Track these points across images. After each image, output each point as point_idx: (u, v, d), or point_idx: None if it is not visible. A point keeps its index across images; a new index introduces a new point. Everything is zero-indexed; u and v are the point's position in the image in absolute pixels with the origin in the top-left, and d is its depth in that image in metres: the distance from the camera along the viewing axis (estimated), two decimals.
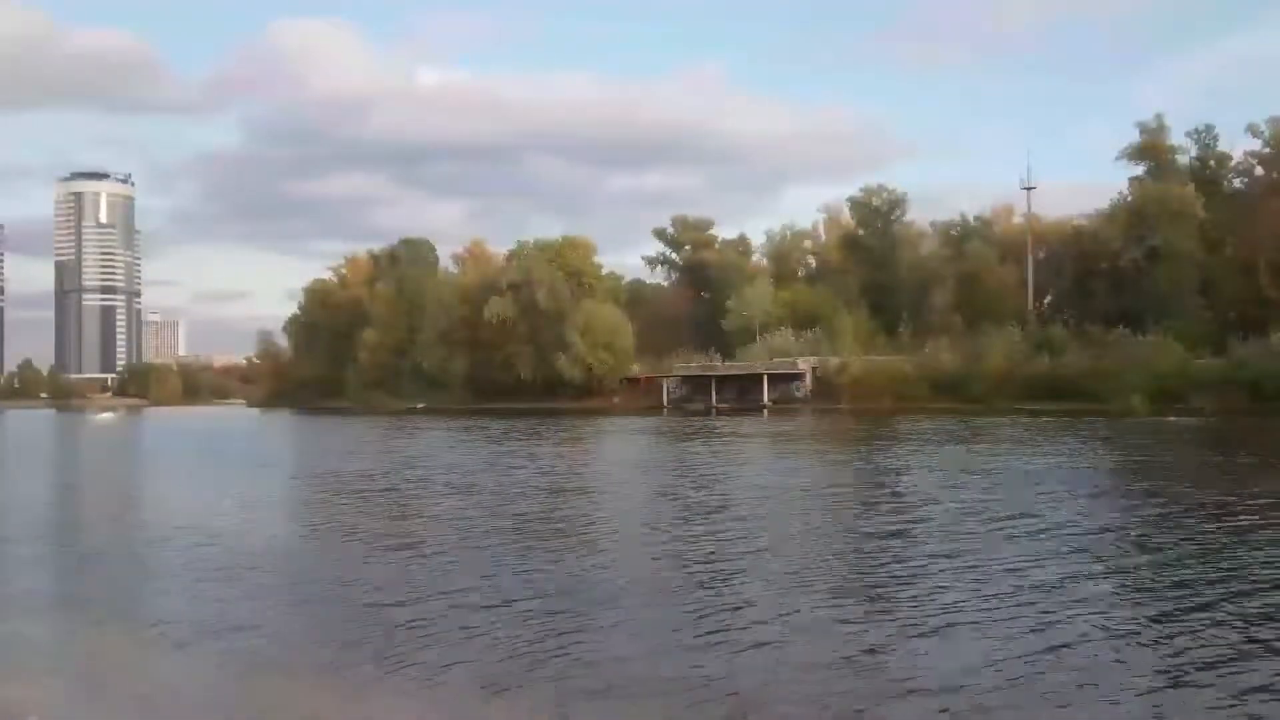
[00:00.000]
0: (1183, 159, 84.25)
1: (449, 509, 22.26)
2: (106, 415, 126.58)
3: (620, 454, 41.09)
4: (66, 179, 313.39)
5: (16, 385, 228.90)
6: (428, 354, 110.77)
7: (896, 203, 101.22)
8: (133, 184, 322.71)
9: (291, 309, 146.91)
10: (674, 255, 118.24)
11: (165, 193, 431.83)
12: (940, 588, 12.96)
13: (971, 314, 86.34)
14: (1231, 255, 77.87)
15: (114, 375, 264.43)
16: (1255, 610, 11.48)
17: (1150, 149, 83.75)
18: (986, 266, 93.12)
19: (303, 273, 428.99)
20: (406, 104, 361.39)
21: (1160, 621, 11.05)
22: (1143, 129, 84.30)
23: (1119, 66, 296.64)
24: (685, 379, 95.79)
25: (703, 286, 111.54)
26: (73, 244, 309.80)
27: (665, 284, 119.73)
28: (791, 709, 8.61)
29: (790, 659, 9.92)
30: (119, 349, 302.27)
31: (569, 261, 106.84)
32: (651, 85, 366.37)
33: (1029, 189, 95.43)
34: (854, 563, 15.11)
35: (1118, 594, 12.59)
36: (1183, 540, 16.28)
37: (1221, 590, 12.56)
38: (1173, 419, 53.01)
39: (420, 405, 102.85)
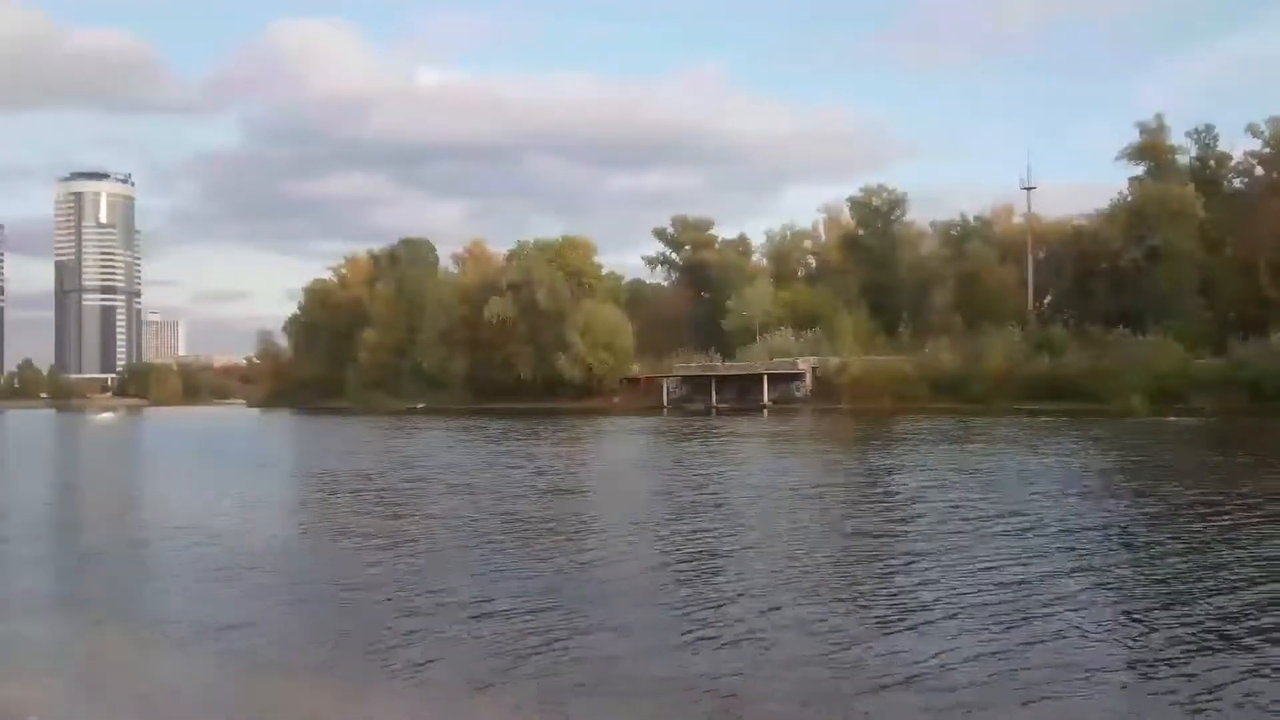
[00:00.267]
0: (1183, 159, 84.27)
1: (447, 509, 22.29)
2: (106, 415, 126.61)
3: (619, 454, 41.13)
4: (66, 179, 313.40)
5: (16, 385, 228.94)
6: (428, 354, 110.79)
7: (896, 203, 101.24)
8: (133, 184, 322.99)
9: (291, 309, 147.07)
10: (674, 255, 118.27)
11: (165, 193, 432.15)
12: (927, 585, 13.06)
13: (971, 314, 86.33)
14: (1231, 255, 77.85)
15: (114, 375, 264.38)
16: (1235, 606, 11.61)
17: (1150, 149, 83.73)
18: (986, 266, 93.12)
19: (303, 273, 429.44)
20: (406, 104, 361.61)
21: (1140, 618, 11.17)
22: (1143, 129, 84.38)
23: (1119, 66, 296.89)
24: (685, 379, 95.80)
25: (703, 286, 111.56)
26: (73, 244, 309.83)
27: (665, 284, 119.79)
28: (780, 706, 8.71)
29: (779, 657, 10.02)
30: (119, 349, 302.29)
31: (569, 261, 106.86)
32: (651, 85, 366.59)
33: (1029, 189, 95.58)
34: (844, 561, 15.18)
35: (1101, 591, 12.67)
36: (1169, 538, 16.43)
37: (1203, 587, 12.70)
38: (1172, 419, 53.05)
39: (420, 405, 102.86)
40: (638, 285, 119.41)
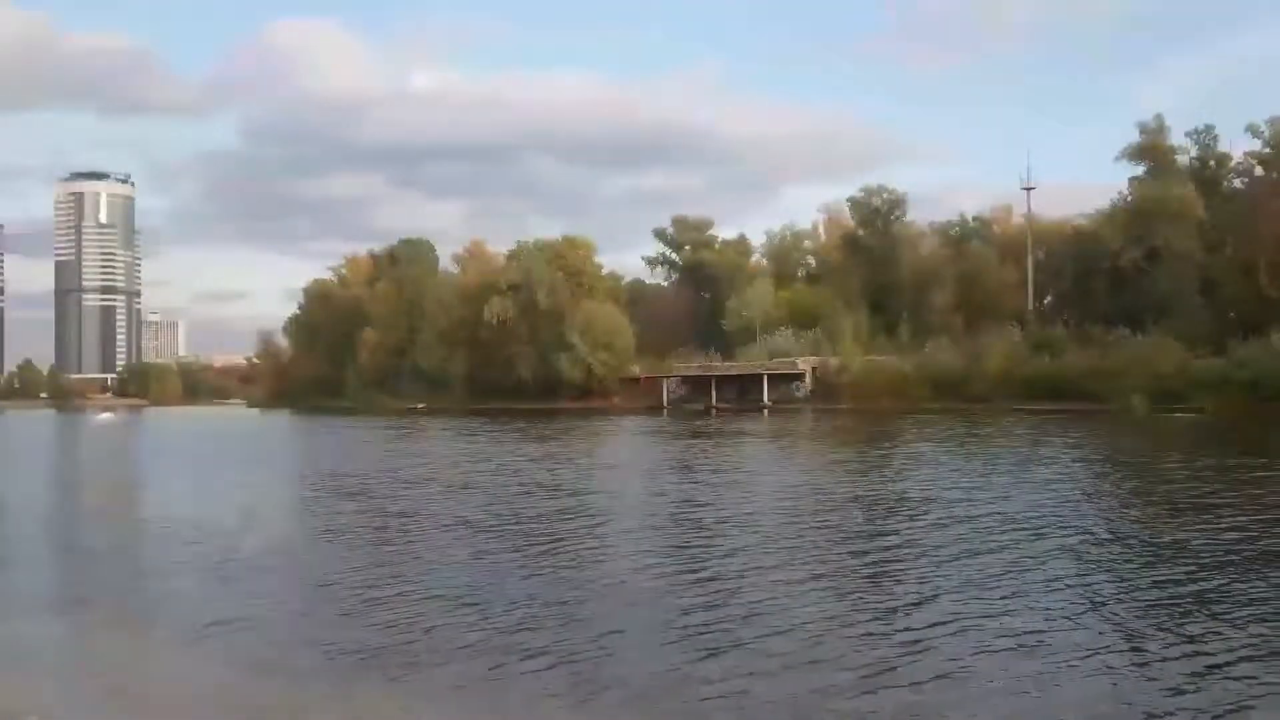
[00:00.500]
0: (1183, 159, 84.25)
1: (447, 509, 22.27)
2: (106, 415, 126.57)
3: (618, 454, 41.12)
4: (66, 179, 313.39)
5: (16, 385, 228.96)
6: (428, 354, 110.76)
7: (896, 203, 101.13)
8: (133, 184, 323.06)
9: (291, 309, 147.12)
10: (674, 255, 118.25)
11: (165, 193, 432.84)
12: (928, 586, 13.03)
13: (971, 314, 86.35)
14: (1231, 255, 77.78)
15: (114, 375, 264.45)
16: (1236, 605, 11.59)
17: (1150, 149, 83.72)
18: (986, 266, 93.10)
19: (303, 273, 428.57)
20: (406, 104, 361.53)
21: (1141, 617, 11.19)
22: (1143, 129, 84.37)
23: (1119, 66, 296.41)
24: (685, 379, 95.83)
25: (703, 286, 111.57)
26: (73, 244, 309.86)
27: (665, 284, 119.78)
28: (776, 707, 8.67)
29: (775, 656, 9.97)
30: (119, 349, 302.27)
31: (569, 261, 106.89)
32: (651, 85, 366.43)
33: (1029, 189, 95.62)
34: (843, 561, 15.12)
35: (1102, 591, 12.62)
36: (1169, 537, 16.42)
37: (1202, 586, 12.71)
38: (1171, 418, 53.02)
39: (420, 405, 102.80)
40: (638, 285, 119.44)
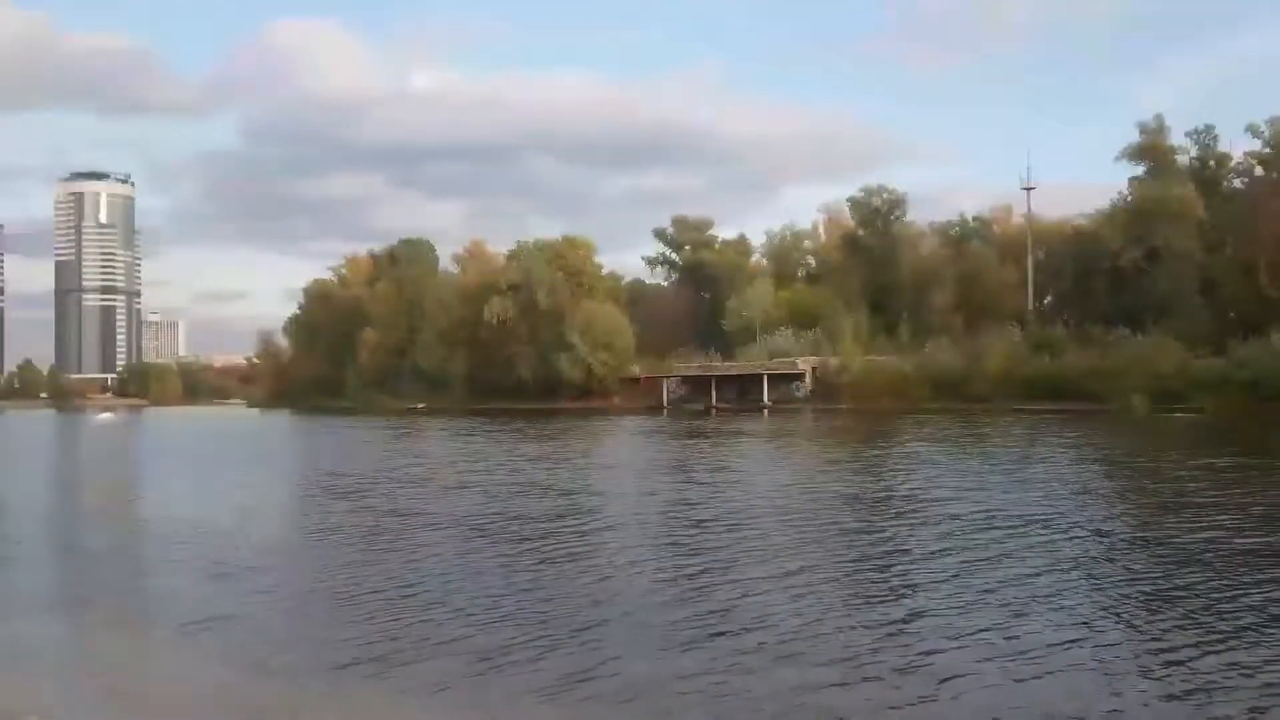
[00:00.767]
0: (1183, 159, 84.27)
1: (444, 509, 22.27)
2: (106, 415, 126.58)
3: (616, 454, 41.10)
4: (66, 179, 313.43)
5: (16, 385, 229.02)
6: (428, 354, 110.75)
7: (896, 203, 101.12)
8: (132, 184, 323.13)
9: (291, 309, 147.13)
10: (674, 255, 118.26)
11: (165, 193, 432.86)
12: (928, 585, 13.04)
13: (971, 314, 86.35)
14: (1231, 255, 77.79)
15: (114, 375, 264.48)
16: (1234, 605, 11.60)
17: (1150, 149, 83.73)
18: (986, 266, 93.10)
19: (303, 273, 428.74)
20: (405, 104, 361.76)
21: (1141, 617, 11.23)
22: (1143, 129, 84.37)
23: (1119, 66, 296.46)
24: (685, 379, 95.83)
25: (703, 286, 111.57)
26: (73, 244, 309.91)
27: (665, 284, 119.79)
28: (757, 701, 8.70)
29: (771, 657, 9.97)
30: (119, 349, 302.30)
31: (569, 261, 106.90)
32: (650, 85, 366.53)
33: (1029, 189, 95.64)
34: (842, 561, 15.13)
35: (1101, 590, 12.62)
36: (1167, 536, 16.40)
37: (1200, 583, 12.73)
38: (1171, 418, 53.02)
39: (420, 405, 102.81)
40: (638, 285, 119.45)
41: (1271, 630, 10.65)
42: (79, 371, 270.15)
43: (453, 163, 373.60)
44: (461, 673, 9.73)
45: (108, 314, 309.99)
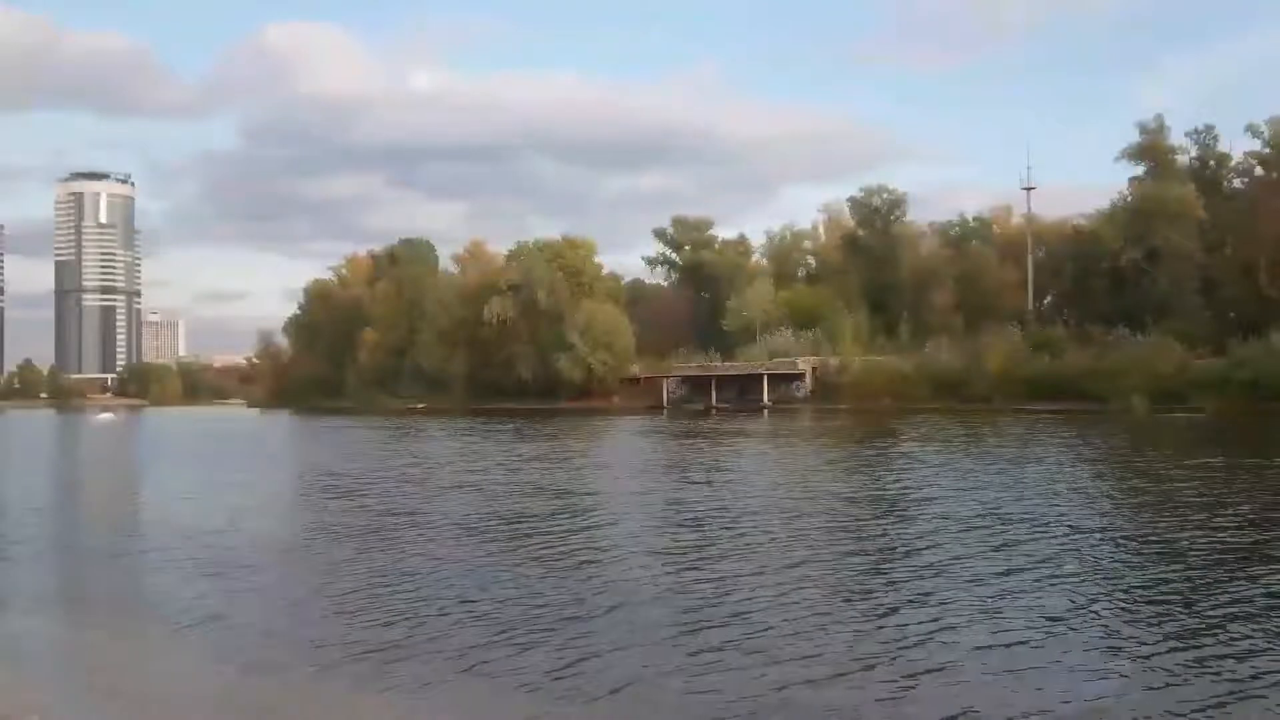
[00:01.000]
0: (1183, 159, 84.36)
1: (442, 508, 22.26)
2: (106, 416, 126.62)
3: (614, 454, 41.07)
4: (66, 179, 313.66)
5: (16, 385, 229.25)
6: (428, 354, 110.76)
7: (896, 203, 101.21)
8: (132, 184, 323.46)
9: (291, 309, 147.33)
10: (674, 255, 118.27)
11: (165, 193, 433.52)
12: (928, 586, 13.02)
13: (971, 314, 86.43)
14: (1231, 255, 77.85)
15: (114, 375, 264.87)
16: (1236, 603, 11.61)
17: (1150, 149, 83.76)
18: (986, 266, 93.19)
19: (302, 273, 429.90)
20: (404, 105, 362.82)
21: (1142, 616, 11.20)
22: (1143, 129, 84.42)
23: (1119, 66, 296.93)
24: (685, 379, 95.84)
25: (703, 286, 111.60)
26: (73, 244, 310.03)
27: (665, 284, 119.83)
28: (752, 700, 8.70)
29: (768, 657, 9.97)
30: (119, 349, 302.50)
31: (569, 261, 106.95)
32: (650, 86, 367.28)
33: (1029, 189, 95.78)
34: (823, 558, 15.10)
35: (1103, 589, 12.63)
36: (1167, 535, 16.40)
37: (1199, 581, 12.72)
38: (1171, 418, 53.03)
39: (420, 405, 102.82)
40: (638, 285, 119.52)
41: (1253, 626, 10.70)
42: (79, 371, 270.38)
43: (452, 163, 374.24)
44: (453, 670, 9.76)
45: (108, 314, 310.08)
